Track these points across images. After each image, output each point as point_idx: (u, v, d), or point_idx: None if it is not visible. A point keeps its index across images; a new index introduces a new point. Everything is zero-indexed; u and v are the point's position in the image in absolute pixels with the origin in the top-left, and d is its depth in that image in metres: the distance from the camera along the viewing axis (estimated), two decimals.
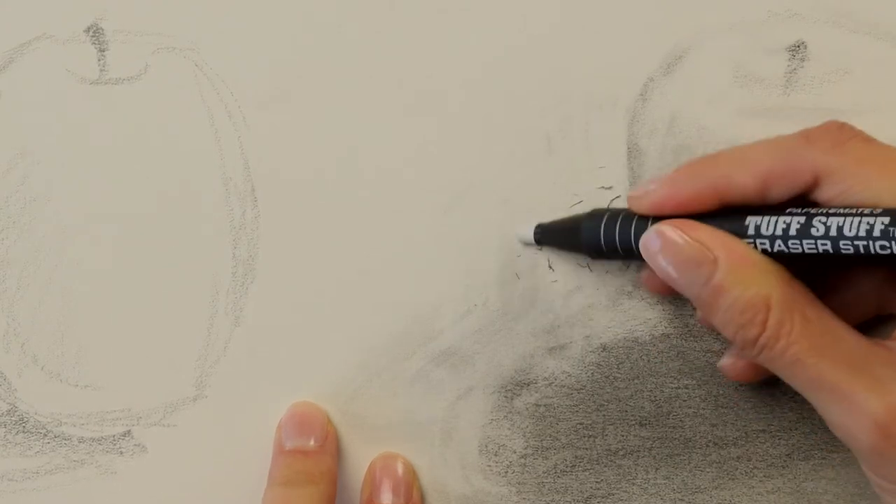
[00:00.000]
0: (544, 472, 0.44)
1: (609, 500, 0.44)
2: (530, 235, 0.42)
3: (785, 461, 0.43)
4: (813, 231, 0.35)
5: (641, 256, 0.38)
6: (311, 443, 0.43)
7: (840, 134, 0.36)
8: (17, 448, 0.44)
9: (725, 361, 0.41)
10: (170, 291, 0.44)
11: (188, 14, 0.43)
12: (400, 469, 0.43)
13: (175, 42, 0.43)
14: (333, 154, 0.43)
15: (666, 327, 0.43)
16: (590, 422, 0.44)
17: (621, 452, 0.44)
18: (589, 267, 0.43)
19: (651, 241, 0.37)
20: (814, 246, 0.35)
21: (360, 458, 0.44)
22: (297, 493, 0.41)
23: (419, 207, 0.43)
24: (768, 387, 0.43)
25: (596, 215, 0.40)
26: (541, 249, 0.43)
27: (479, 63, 0.43)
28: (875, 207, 0.34)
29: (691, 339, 0.43)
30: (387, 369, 0.44)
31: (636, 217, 0.38)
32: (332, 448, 0.43)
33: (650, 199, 0.38)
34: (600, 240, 0.39)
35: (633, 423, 0.44)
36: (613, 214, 0.39)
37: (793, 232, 0.35)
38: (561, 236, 0.42)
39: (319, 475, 0.42)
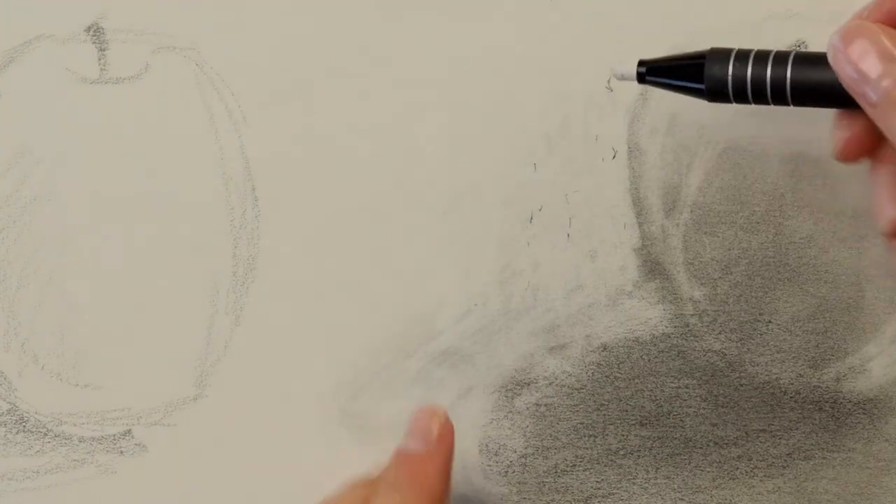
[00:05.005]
0: (544, 472, 0.44)
1: (609, 500, 0.44)
2: (632, 71, 0.38)
3: (785, 461, 0.43)
4: None
5: (769, 100, 0.36)
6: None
7: None
8: (17, 447, 0.44)
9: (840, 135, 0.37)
10: (170, 291, 0.44)
11: (188, 14, 0.43)
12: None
13: (175, 42, 0.43)
14: (333, 154, 0.43)
15: (666, 327, 0.43)
16: (590, 421, 0.44)
17: (621, 452, 0.44)
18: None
19: (846, 35, 0.34)
20: None
21: (361, 458, 0.44)
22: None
23: (419, 207, 0.43)
24: (768, 386, 0.43)
25: (721, 51, 0.37)
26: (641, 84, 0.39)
27: (478, 63, 0.43)
28: None
29: (691, 339, 0.43)
30: (387, 369, 0.44)
31: (773, 54, 0.36)
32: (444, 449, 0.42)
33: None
34: (727, 78, 0.36)
35: (634, 422, 0.43)
36: (742, 52, 0.36)
37: None
38: (674, 73, 0.38)
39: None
